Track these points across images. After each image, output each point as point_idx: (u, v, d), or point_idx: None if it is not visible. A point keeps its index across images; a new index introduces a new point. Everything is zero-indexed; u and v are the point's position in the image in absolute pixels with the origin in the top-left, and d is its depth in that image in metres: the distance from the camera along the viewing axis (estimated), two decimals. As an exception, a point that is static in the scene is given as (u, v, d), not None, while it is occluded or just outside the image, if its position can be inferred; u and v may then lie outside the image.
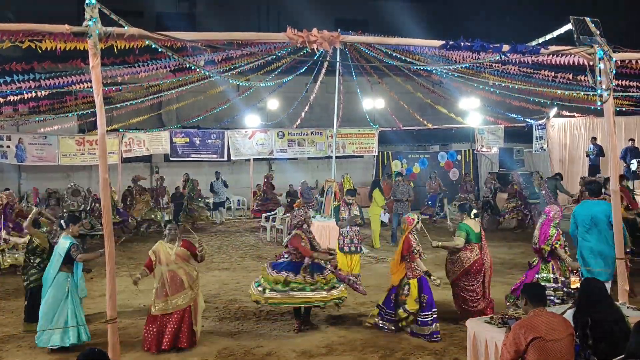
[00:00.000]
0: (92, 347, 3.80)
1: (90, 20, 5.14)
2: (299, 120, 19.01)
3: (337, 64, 14.46)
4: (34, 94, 9.90)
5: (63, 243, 7.14)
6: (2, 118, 16.14)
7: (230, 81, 14.45)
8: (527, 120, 17.97)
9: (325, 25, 6.85)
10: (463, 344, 6.21)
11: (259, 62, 13.48)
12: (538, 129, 17.94)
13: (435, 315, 7.25)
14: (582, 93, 12.73)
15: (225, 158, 18.97)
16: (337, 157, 15.79)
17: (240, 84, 14.92)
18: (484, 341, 5.38)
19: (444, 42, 6.55)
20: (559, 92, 13.07)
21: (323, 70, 16.80)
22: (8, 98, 10.47)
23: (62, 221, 7.55)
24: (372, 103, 19.22)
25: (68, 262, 7.09)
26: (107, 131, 10.91)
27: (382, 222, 14.62)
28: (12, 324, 8.14)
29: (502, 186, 17.14)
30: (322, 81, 17.46)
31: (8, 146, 16.32)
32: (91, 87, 5.98)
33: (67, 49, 5.61)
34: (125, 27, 5.36)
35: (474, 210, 7.95)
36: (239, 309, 8.73)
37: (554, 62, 6.85)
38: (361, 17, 27.88)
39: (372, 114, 20.10)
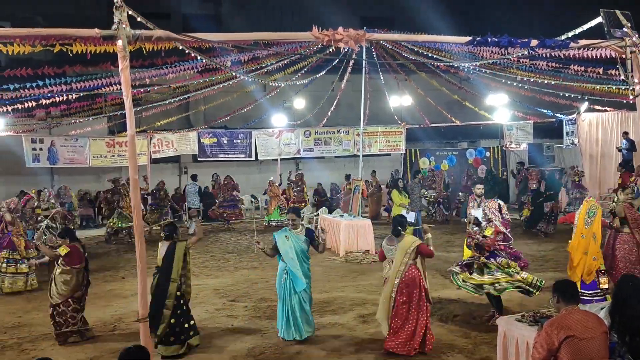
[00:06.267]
0: (133, 345, 3.85)
1: (119, 23, 5.21)
2: (325, 119, 19.03)
3: (364, 62, 14.41)
4: (65, 97, 10.10)
5: (300, 237, 7.50)
6: (35, 121, 16.51)
7: (257, 80, 14.50)
8: (557, 115, 17.67)
9: (350, 23, 6.86)
10: (494, 343, 6.14)
11: (285, 61, 13.53)
12: (568, 124, 17.64)
13: None
14: (614, 87, 12.49)
15: (253, 158, 19.09)
16: (364, 155, 15.73)
17: (268, 83, 14.99)
18: (514, 340, 5.31)
19: (471, 38, 6.50)
20: (589, 86, 12.84)
21: (349, 69, 16.77)
22: (40, 101, 10.71)
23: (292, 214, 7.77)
24: (399, 100, 19.12)
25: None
26: (136, 132, 11.05)
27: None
28: (46, 324, 8.21)
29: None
30: (348, 79, 17.43)
31: (41, 149, 16.65)
32: (120, 89, 6.07)
33: (97, 52, 5.70)
34: (153, 30, 5.42)
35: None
36: (268, 308, 8.75)
37: (583, 56, 6.76)
38: (386, 15, 27.75)
39: (399, 111, 19.99)
